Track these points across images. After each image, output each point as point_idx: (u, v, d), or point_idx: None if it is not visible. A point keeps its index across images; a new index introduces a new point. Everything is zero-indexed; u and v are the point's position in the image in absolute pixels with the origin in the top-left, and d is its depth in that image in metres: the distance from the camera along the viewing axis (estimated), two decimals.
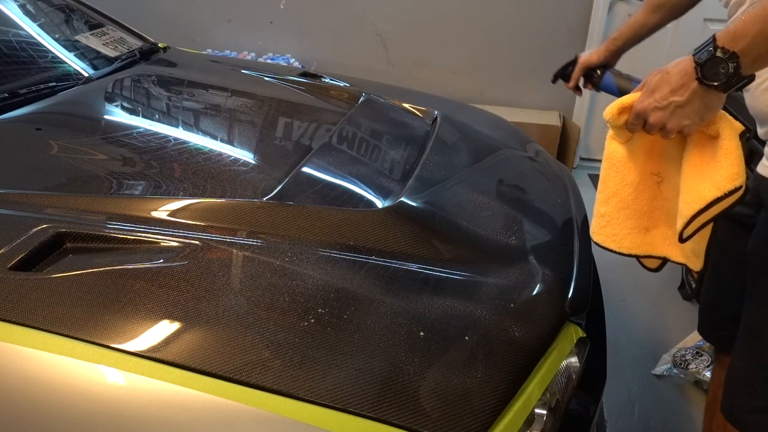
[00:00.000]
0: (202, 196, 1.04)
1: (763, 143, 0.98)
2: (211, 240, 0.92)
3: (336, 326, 0.80)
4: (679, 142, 0.90)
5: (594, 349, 0.99)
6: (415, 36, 3.39)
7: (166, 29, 3.55)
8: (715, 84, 0.76)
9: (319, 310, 0.81)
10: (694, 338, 1.87)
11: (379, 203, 1.10)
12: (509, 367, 0.81)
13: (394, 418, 0.70)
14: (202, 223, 0.96)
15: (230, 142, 1.32)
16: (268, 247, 0.93)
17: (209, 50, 3.62)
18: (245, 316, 0.79)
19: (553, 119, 3.21)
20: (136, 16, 3.44)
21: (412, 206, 1.10)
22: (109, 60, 1.66)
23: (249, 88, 1.71)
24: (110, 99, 1.47)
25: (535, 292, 0.96)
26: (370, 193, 1.14)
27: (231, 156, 1.25)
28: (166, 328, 0.76)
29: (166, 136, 1.31)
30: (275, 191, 1.06)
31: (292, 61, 3.52)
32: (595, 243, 0.98)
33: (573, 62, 1.34)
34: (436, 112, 1.62)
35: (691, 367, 1.80)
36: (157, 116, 1.43)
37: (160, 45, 1.94)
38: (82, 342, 0.74)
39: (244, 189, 1.08)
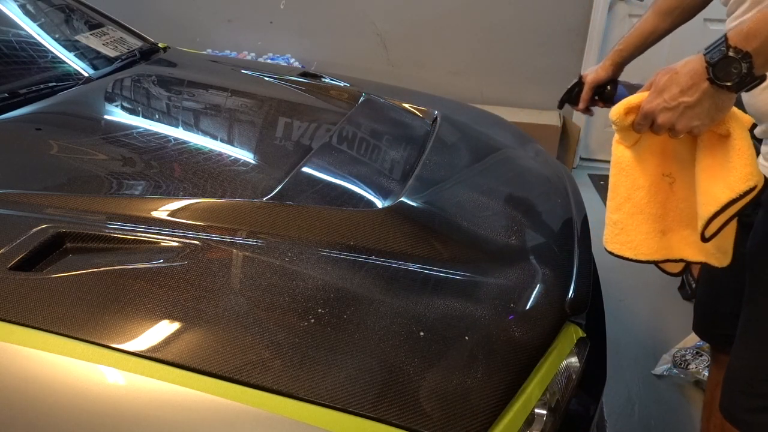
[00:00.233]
0: (202, 196, 1.04)
1: (760, 142, 0.98)
2: (211, 240, 0.92)
3: (336, 326, 0.80)
4: (688, 141, 0.88)
5: (594, 349, 0.99)
6: (415, 36, 3.39)
7: (166, 29, 3.55)
8: (728, 84, 0.75)
9: (319, 310, 0.81)
10: (694, 338, 1.87)
11: (379, 203, 1.10)
12: (509, 367, 0.81)
13: (394, 418, 0.71)
14: (202, 223, 0.96)
15: (230, 142, 1.32)
16: (268, 247, 0.93)
17: (209, 50, 3.62)
18: (245, 316, 0.79)
19: (553, 119, 3.21)
20: (136, 16, 3.45)
21: (412, 206, 1.10)
22: (109, 60, 1.66)
23: (249, 88, 1.71)
24: (110, 99, 1.47)
25: (535, 292, 0.96)
26: (370, 193, 1.14)
27: (231, 156, 1.25)
28: (166, 328, 0.77)
29: (166, 136, 1.31)
30: (275, 191, 1.07)
31: (292, 61, 3.52)
32: (610, 253, 0.94)
33: (578, 84, 1.29)
34: (436, 112, 1.62)
35: (691, 367, 1.80)
36: (157, 116, 1.43)
37: (160, 45, 1.94)
38: (82, 342, 0.74)
39: (244, 189, 1.08)
